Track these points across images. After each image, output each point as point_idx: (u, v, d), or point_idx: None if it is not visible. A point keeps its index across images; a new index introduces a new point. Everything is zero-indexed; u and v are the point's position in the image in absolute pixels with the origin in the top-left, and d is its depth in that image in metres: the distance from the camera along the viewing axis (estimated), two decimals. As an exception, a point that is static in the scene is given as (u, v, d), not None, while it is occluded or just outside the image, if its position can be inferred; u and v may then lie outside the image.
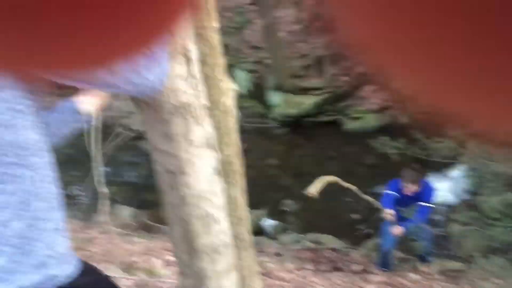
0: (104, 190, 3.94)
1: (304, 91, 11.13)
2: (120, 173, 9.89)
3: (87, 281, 1.31)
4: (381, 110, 10.86)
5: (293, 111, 10.98)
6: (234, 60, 12.12)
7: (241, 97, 9.87)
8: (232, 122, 2.09)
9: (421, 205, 4.94)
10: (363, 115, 10.92)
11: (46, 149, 1.20)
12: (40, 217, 1.15)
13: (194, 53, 1.43)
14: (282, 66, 11.04)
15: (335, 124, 11.09)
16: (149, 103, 1.43)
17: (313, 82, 11.29)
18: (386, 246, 5.36)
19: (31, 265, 1.13)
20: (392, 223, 5.03)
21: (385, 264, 5.48)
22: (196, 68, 1.45)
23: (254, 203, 8.58)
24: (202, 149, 1.53)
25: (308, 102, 10.98)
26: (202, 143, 1.52)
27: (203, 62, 1.94)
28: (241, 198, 2.22)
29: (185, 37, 1.40)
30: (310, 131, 11.02)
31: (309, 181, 9.09)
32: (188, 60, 1.40)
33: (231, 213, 2.20)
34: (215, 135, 2.10)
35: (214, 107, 2.04)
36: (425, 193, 5.02)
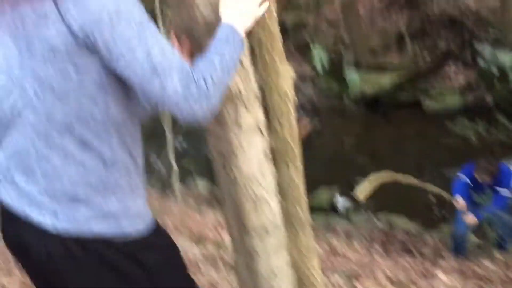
0: (174, 163, 4.12)
1: (383, 69, 10.86)
2: (197, 146, 10.23)
3: (156, 242, 1.40)
4: (465, 90, 10.40)
5: (371, 89, 10.78)
6: (312, 37, 12.03)
7: (318, 75, 9.98)
8: (289, 106, 2.14)
9: (497, 191, 4.74)
10: (445, 95, 10.51)
11: (129, 119, 1.31)
12: (116, 177, 1.29)
13: (244, 44, 1.50)
14: (361, 44, 10.83)
15: (414, 104, 10.77)
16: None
17: (393, 60, 10.98)
18: (459, 232, 5.22)
19: (103, 213, 1.27)
20: (463, 211, 4.89)
21: (458, 250, 5.35)
22: (247, 58, 1.53)
23: (328, 181, 8.67)
24: (251, 134, 1.61)
25: (386, 80, 10.73)
26: (252, 128, 1.60)
27: (261, 47, 2.01)
28: (298, 179, 2.28)
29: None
30: (388, 111, 10.78)
31: (386, 162, 8.99)
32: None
33: (287, 194, 2.28)
34: (269, 120, 2.17)
35: (271, 92, 2.11)
36: (503, 178, 4.80)
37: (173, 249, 1.52)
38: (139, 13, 1.16)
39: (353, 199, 8.09)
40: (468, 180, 4.92)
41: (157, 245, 1.41)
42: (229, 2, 1.35)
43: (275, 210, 1.81)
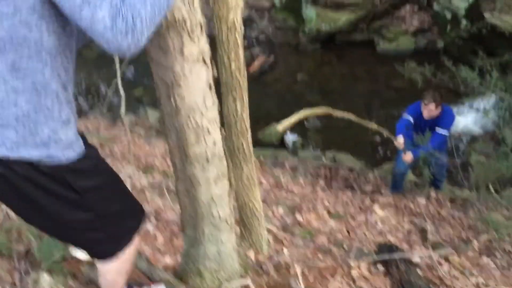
0: (123, 92, 4.06)
1: (340, 6, 10.79)
2: (148, 76, 9.99)
3: (88, 168, 1.49)
4: (417, 33, 10.56)
5: (326, 26, 10.75)
6: (271, -31, 11.74)
7: (275, 9, 9.83)
8: (237, 38, 2.13)
9: (436, 131, 4.93)
10: (399, 36, 10.64)
11: (63, 51, 1.35)
12: (48, 106, 1.35)
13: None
14: (320, -21, 10.67)
15: (368, 44, 10.86)
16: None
17: (350, -2, 10.93)
18: (398, 170, 5.45)
19: (34, 143, 1.35)
20: (403, 150, 5.08)
21: (396, 187, 5.61)
22: (192, -16, 1.50)
23: (279, 117, 8.75)
24: (195, 64, 1.61)
25: (342, 18, 10.70)
26: (196, 58, 1.60)
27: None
28: (244, 113, 2.31)
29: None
30: (342, 49, 10.84)
31: (335, 100, 9.15)
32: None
33: (232, 126, 2.32)
34: (221, 51, 2.17)
35: (221, 23, 2.10)
36: (444, 119, 4.96)
37: (108, 175, 1.60)
38: None
39: (304, 136, 8.26)
40: (411, 119, 5.08)
41: (89, 170, 1.50)
42: None
43: (217, 140, 1.84)
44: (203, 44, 1.61)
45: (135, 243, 1.70)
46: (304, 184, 5.37)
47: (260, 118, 8.06)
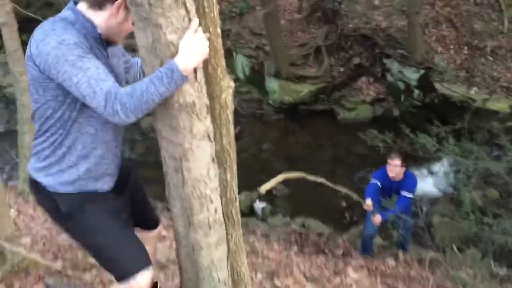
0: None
1: (302, 79, 11.40)
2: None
3: (69, 201, 1.98)
4: (374, 102, 11.19)
5: (289, 98, 11.27)
6: (235, 45, 12.34)
7: (239, 82, 10.23)
8: (229, 115, 2.37)
9: (402, 195, 5.24)
10: (357, 106, 11.24)
11: None
12: (59, 154, 1.95)
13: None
14: (281, 54, 11.28)
15: (329, 113, 11.40)
16: (160, 101, 1.74)
17: (311, 71, 11.56)
18: (367, 233, 5.69)
19: (45, 173, 2.00)
20: (372, 212, 5.35)
21: (366, 250, 5.81)
22: (201, 74, 1.75)
23: (247, 185, 8.91)
24: (202, 141, 1.83)
25: (304, 90, 11.27)
26: (203, 135, 1.82)
27: (208, 62, 2.23)
28: (233, 182, 2.52)
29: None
30: (305, 118, 11.33)
31: (301, 167, 9.46)
32: (195, 68, 1.70)
33: (223, 195, 2.51)
34: (213, 127, 2.39)
35: (214, 102, 2.34)
36: (407, 183, 5.30)
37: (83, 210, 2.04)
38: (71, 54, 1.68)
39: (271, 203, 8.45)
40: (379, 184, 5.39)
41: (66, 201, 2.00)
42: (183, 46, 1.66)
43: (218, 207, 2.03)
44: (208, 123, 1.84)
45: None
46: (278, 250, 5.50)
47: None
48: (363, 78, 11.62)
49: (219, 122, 2.37)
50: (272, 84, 11.45)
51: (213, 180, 1.94)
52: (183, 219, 2.00)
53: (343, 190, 5.87)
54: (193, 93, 1.72)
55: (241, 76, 12.28)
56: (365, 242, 5.81)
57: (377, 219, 5.30)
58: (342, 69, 11.53)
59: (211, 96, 2.31)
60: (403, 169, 5.27)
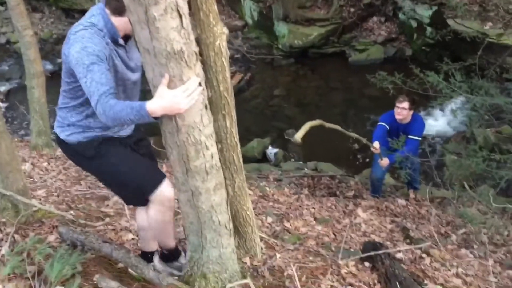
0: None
1: (311, 22, 11.19)
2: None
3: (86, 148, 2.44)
4: (386, 42, 10.99)
5: (299, 42, 11.11)
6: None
7: (248, 28, 10.09)
8: (224, 62, 2.37)
9: (409, 137, 5.23)
10: (369, 47, 11.06)
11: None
12: (76, 117, 2.45)
13: (185, 8, 1.71)
14: (289, -3, 11.03)
15: (340, 55, 11.27)
16: (149, 50, 1.74)
17: (320, 13, 11.32)
18: (375, 176, 5.73)
19: (66, 132, 2.50)
20: (379, 155, 5.36)
21: (375, 191, 5.87)
22: (187, 21, 1.74)
23: (259, 132, 8.94)
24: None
25: (314, 33, 11.09)
26: (193, 82, 1.83)
27: (199, 9, 2.21)
28: (233, 128, 2.55)
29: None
30: (315, 62, 11.21)
31: (312, 110, 9.46)
32: (180, 14, 1.69)
33: (223, 141, 2.55)
34: (210, 74, 2.40)
35: (208, 49, 2.34)
36: (415, 126, 5.29)
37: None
38: (88, 59, 2.11)
39: (285, 149, 8.52)
40: (386, 126, 5.38)
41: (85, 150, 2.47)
42: (164, 96, 1.88)
43: (214, 153, 2.07)
44: (198, 69, 1.85)
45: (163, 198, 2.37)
46: (289, 193, 5.59)
47: (241, 134, 8.27)
48: (374, 18, 11.37)
49: (214, 69, 2.38)
50: (281, 28, 11.28)
51: (207, 126, 1.97)
52: (181, 165, 2.05)
53: (356, 137, 5.85)
54: (180, 40, 1.71)
55: (249, 21, 12.10)
56: (373, 184, 5.87)
57: (385, 162, 5.33)
58: (352, 10, 11.28)
59: (205, 43, 2.31)
60: (411, 112, 5.25)
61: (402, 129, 5.32)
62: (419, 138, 5.26)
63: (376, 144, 5.25)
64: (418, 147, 5.47)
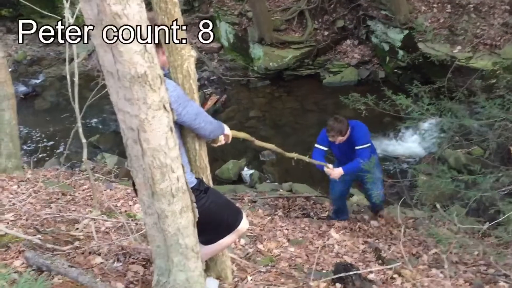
0: (84, 140, 4.24)
1: (286, 44, 11.33)
2: (106, 123, 10.21)
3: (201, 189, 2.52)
4: (359, 65, 11.18)
5: (274, 64, 11.22)
6: (218, 12, 12.21)
7: (224, 50, 10.17)
8: (192, 84, 2.40)
9: (357, 148, 4.99)
10: (342, 69, 11.23)
11: None
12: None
13: (148, 33, 1.73)
14: (264, 19, 11.16)
15: (314, 77, 11.40)
16: (113, 73, 1.75)
17: (295, 36, 11.48)
18: (334, 195, 5.59)
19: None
20: (328, 172, 5.12)
21: (340, 213, 5.71)
22: (151, 45, 1.76)
23: (235, 154, 8.92)
24: (157, 111, 1.85)
25: (289, 55, 11.21)
26: (158, 106, 1.84)
27: (168, 35, 2.24)
28: (202, 151, 2.56)
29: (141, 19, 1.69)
30: (290, 84, 11.32)
31: (288, 132, 9.51)
32: (143, 39, 1.70)
33: (192, 164, 2.55)
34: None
35: (177, 71, 2.36)
36: (358, 135, 5.02)
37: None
38: (185, 95, 2.30)
39: (260, 170, 8.52)
40: (323, 149, 5.19)
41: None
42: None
43: (180, 176, 2.07)
44: (163, 93, 1.86)
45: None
46: (263, 215, 5.59)
47: (217, 155, 8.31)
48: (348, 41, 11.58)
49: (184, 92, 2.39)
50: (257, 50, 11.39)
51: (172, 149, 1.97)
52: (146, 188, 2.04)
53: (291, 156, 5.30)
54: (144, 64, 1.73)
55: (225, 43, 12.19)
56: (336, 204, 5.69)
57: (334, 173, 5.06)
58: (326, 33, 11.47)
59: (173, 66, 2.34)
60: (348, 133, 5.03)
61: (345, 142, 5.09)
62: (368, 144, 5.04)
63: (330, 166, 5.09)
64: (370, 152, 5.11)
